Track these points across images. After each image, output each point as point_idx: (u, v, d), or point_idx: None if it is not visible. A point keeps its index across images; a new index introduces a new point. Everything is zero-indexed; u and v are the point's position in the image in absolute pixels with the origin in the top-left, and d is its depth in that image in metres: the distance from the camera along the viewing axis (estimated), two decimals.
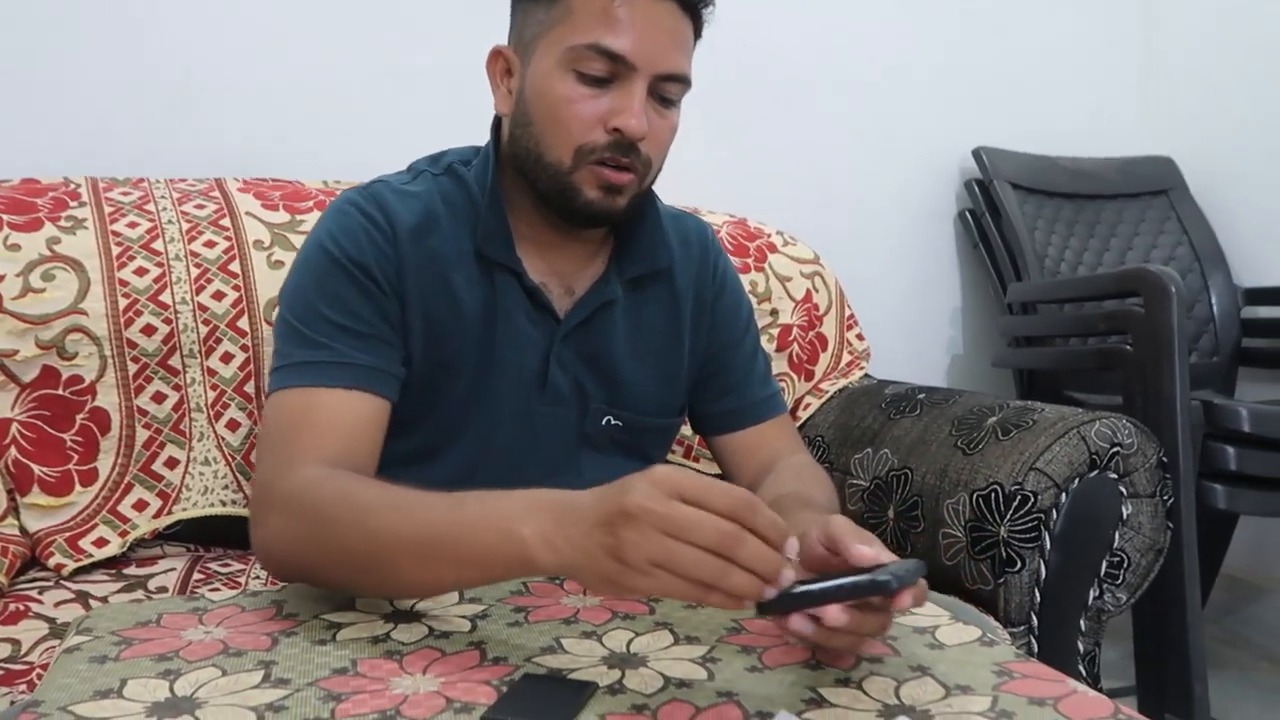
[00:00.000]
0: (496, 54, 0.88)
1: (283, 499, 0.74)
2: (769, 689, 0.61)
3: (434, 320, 0.87)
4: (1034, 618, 1.15)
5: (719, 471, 1.45)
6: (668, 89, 0.83)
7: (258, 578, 1.11)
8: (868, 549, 0.61)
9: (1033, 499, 1.13)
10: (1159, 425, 1.38)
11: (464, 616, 0.72)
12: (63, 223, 1.22)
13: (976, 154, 2.04)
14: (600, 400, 0.94)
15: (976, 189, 2.04)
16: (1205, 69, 2.20)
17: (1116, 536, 1.19)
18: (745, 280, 1.54)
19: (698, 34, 0.86)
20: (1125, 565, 1.19)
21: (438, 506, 0.67)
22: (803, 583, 0.58)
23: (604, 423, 0.94)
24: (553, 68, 0.82)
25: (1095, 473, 1.16)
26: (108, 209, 1.27)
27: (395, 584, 0.70)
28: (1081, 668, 1.19)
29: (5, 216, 1.20)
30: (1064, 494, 1.14)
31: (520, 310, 0.89)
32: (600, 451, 0.95)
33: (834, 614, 0.56)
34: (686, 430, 1.44)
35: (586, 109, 0.81)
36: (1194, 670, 1.38)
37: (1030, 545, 1.13)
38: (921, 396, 1.40)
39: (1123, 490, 1.18)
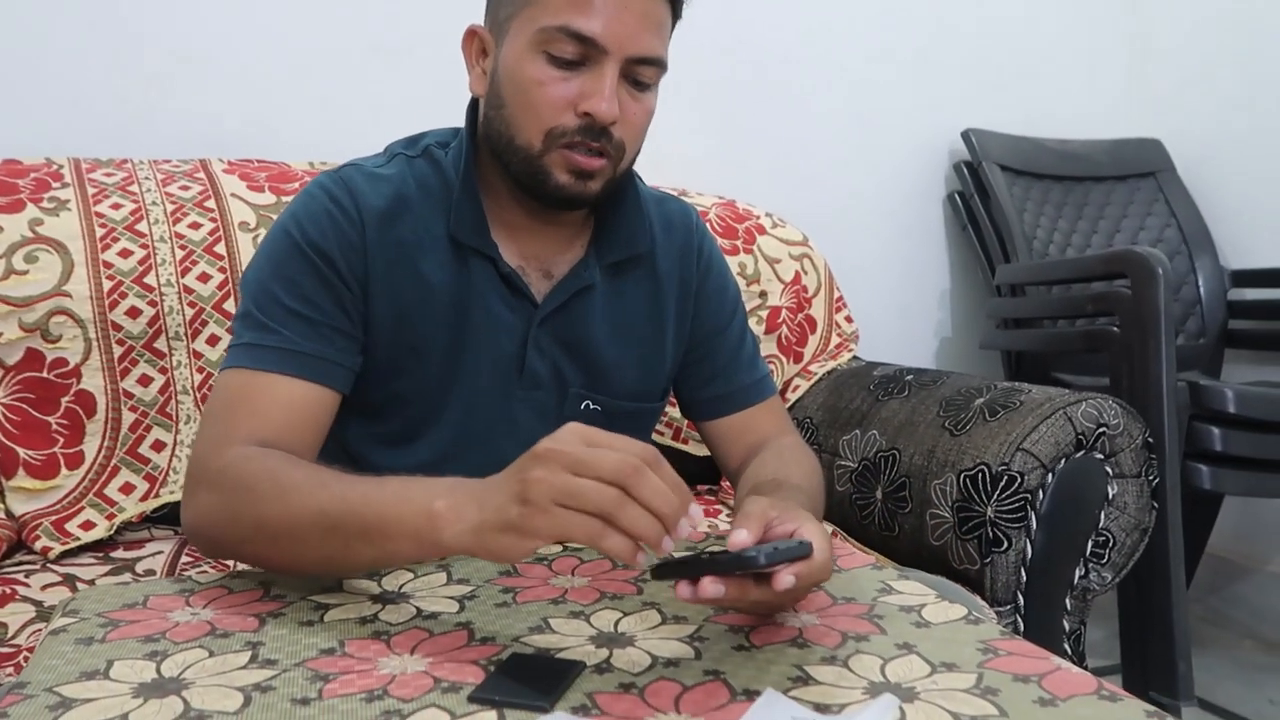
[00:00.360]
0: (472, 34, 0.87)
1: (212, 475, 0.74)
2: (756, 667, 0.61)
3: (402, 306, 0.86)
4: (1020, 597, 1.16)
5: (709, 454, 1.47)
6: (641, 72, 0.81)
7: None
8: (740, 534, 0.63)
9: (1019, 479, 1.13)
10: (1145, 406, 1.39)
11: (452, 598, 0.72)
12: (45, 204, 1.21)
13: (965, 136, 2.04)
14: (579, 385, 0.93)
15: (965, 171, 2.04)
16: (1194, 51, 2.20)
17: (1102, 516, 1.19)
18: (734, 262, 1.55)
19: (676, 15, 0.85)
20: (1110, 545, 1.20)
21: (359, 484, 0.69)
22: (688, 552, 0.64)
23: (582, 408, 0.94)
24: (524, 49, 0.80)
25: (1081, 453, 1.17)
26: (91, 190, 1.25)
27: (304, 557, 0.70)
28: (1067, 646, 1.20)
29: None
30: (1050, 474, 1.15)
31: (495, 295, 0.88)
32: None
33: (706, 584, 0.58)
34: (675, 413, 1.44)
35: (557, 92, 0.80)
36: (1178, 648, 1.40)
37: (1017, 525, 1.14)
38: (910, 378, 1.40)
39: (1108, 470, 1.19)
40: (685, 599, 0.60)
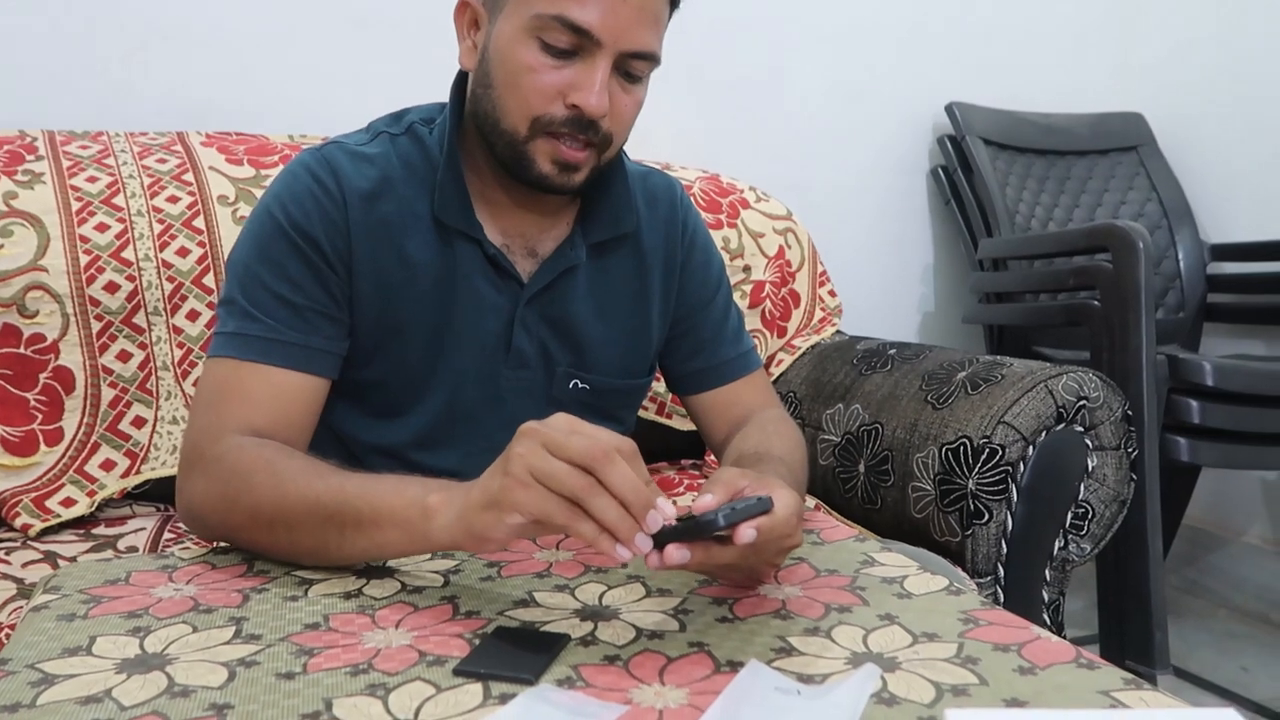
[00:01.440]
0: (464, 4, 0.86)
1: (208, 463, 0.76)
2: (740, 639, 0.61)
3: (384, 285, 0.85)
4: (1000, 568, 1.17)
5: (693, 428, 1.47)
6: (634, 66, 0.80)
7: None
8: (706, 497, 0.64)
9: (1000, 452, 1.14)
10: (1125, 379, 1.40)
11: (437, 572, 0.72)
12: (19, 177, 1.19)
13: (949, 110, 2.04)
14: (566, 364, 0.93)
15: (949, 145, 2.04)
16: (1175, 25, 2.20)
17: (1081, 488, 1.21)
18: (717, 237, 1.54)
19: (674, 7, 0.83)
20: (1090, 516, 1.21)
21: (355, 476, 0.71)
22: None
23: (571, 386, 0.94)
24: (517, 31, 0.79)
25: (1062, 426, 1.18)
26: (66, 163, 1.24)
27: (298, 545, 0.72)
28: (1046, 616, 1.22)
29: None
30: (1031, 447, 1.16)
31: (481, 275, 0.88)
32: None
33: (671, 550, 0.59)
34: (659, 388, 1.44)
35: (547, 80, 0.79)
36: (1155, 618, 1.42)
37: (998, 498, 1.15)
38: (893, 352, 1.41)
39: (1088, 443, 1.20)
40: (654, 567, 0.60)
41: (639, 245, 0.96)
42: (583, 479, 0.58)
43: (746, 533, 0.60)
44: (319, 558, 0.72)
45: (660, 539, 0.59)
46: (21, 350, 1.14)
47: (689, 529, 0.59)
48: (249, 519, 0.73)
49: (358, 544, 0.69)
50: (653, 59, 0.81)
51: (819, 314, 1.67)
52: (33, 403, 1.15)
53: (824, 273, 1.70)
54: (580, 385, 0.94)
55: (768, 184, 1.75)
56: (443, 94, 0.92)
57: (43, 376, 1.15)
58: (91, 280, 1.17)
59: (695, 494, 1.34)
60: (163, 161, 1.29)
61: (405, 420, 0.90)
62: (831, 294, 1.70)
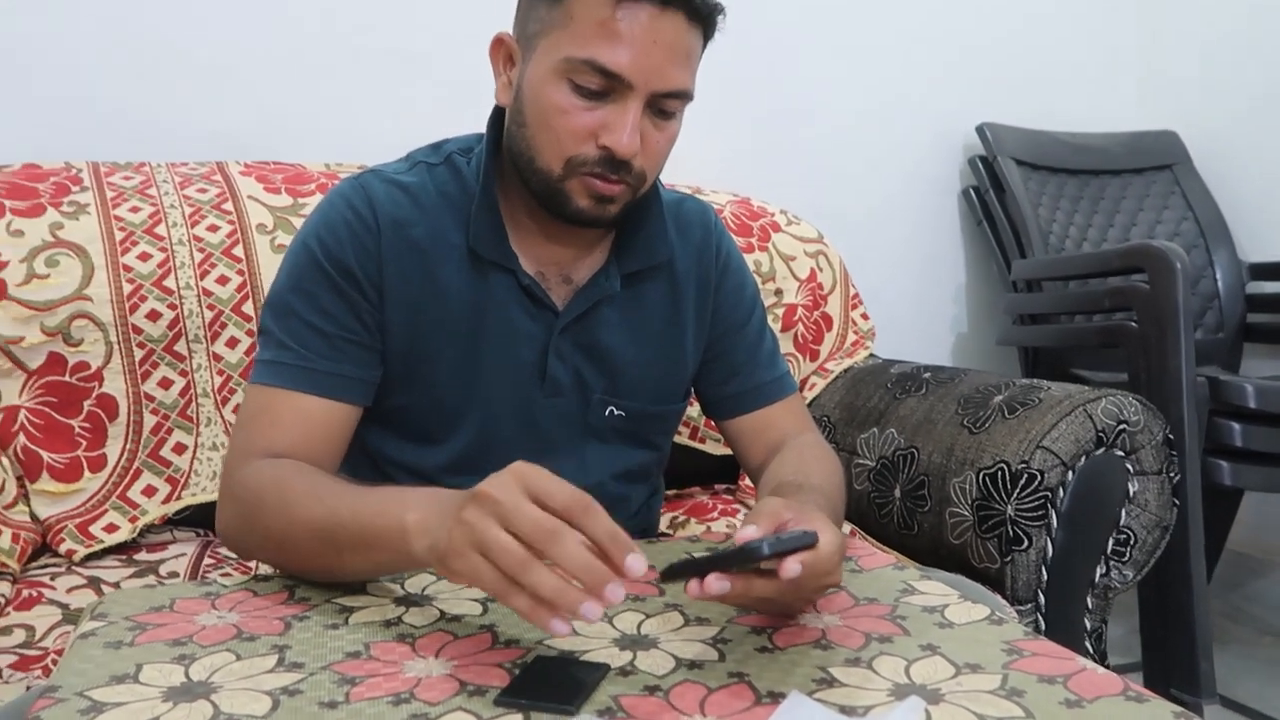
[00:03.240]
0: (499, 41, 0.87)
1: (234, 486, 0.79)
2: (780, 670, 0.61)
3: (416, 313, 0.86)
4: (1041, 596, 1.15)
5: (725, 453, 1.46)
6: (667, 104, 0.81)
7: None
8: (749, 529, 0.64)
9: (1039, 477, 1.13)
10: (1164, 402, 1.38)
11: (475, 600, 0.72)
12: (65, 208, 1.22)
13: (980, 130, 2.03)
14: (602, 391, 0.93)
15: (980, 165, 2.03)
16: (1209, 43, 2.18)
17: (1123, 514, 1.19)
18: (749, 260, 1.54)
19: (708, 38, 0.83)
20: (1132, 542, 1.19)
21: (348, 495, 0.72)
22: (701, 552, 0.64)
23: (607, 413, 0.94)
24: (549, 73, 0.79)
25: (1102, 450, 1.16)
26: (110, 194, 1.26)
27: (308, 565, 0.74)
28: (1089, 645, 1.20)
29: (8, 202, 1.19)
30: (1070, 472, 1.14)
31: (515, 304, 0.88)
32: (605, 442, 0.95)
33: (711, 580, 0.58)
34: (693, 412, 1.44)
35: (579, 121, 0.79)
36: (1200, 645, 1.39)
37: (1037, 523, 1.14)
38: (927, 376, 1.40)
39: (1129, 468, 1.18)
40: (694, 596, 0.60)
41: (673, 271, 0.96)
42: (519, 559, 0.56)
43: (792, 567, 0.59)
44: (328, 575, 0.74)
45: (702, 567, 0.59)
46: (67, 378, 1.17)
47: (732, 558, 0.59)
48: (263, 540, 0.76)
49: (355, 563, 0.70)
50: (685, 96, 0.81)
51: (851, 337, 1.66)
52: (77, 429, 1.17)
53: (856, 295, 1.70)
54: (616, 412, 0.94)
55: (798, 207, 1.75)
56: (477, 124, 0.93)
57: (87, 404, 1.18)
58: (134, 308, 1.20)
59: (730, 520, 1.33)
60: (203, 191, 1.31)
61: (440, 447, 0.91)
62: (864, 316, 1.69)
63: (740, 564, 0.60)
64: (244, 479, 0.78)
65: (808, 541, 0.62)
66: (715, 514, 1.38)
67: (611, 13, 0.76)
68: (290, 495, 0.74)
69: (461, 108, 1.13)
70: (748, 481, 1.51)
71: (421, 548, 0.64)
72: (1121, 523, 1.19)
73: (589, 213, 0.83)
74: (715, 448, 1.50)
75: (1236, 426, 1.48)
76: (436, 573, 0.66)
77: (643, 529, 1.02)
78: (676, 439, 1.46)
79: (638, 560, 0.57)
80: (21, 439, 1.14)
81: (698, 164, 1.77)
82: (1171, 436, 1.20)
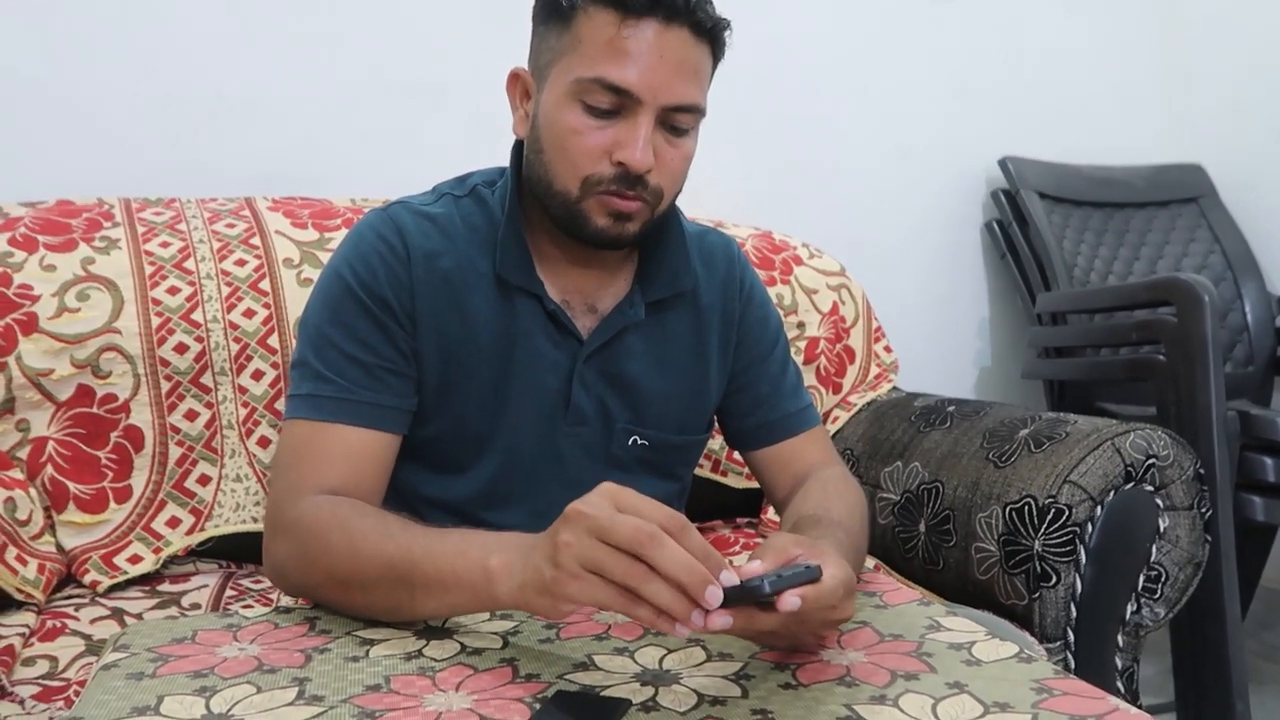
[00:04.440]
0: (515, 76, 0.88)
1: (288, 525, 0.78)
2: (804, 707, 0.60)
3: (446, 343, 0.87)
4: (1070, 633, 1.13)
5: (748, 486, 1.45)
6: (678, 119, 0.82)
7: None
8: (755, 564, 0.63)
9: (1067, 512, 1.11)
10: (1194, 436, 1.36)
11: (495, 633, 0.72)
12: (97, 243, 1.24)
13: (1003, 164, 2.03)
14: (625, 420, 0.93)
15: (1003, 199, 2.02)
16: (1234, 75, 2.18)
17: (1154, 550, 1.17)
18: (771, 293, 1.54)
19: (718, 58, 0.85)
20: (1163, 579, 1.17)
21: (422, 535, 0.71)
22: None
23: (630, 443, 0.94)
24: (561, 97, 0.81)
25: (1131, 485, 1.14)
26: (140, 229, 1.28)
27: (375, 605, 0.73)
28: (1120, 684, 1.17)
29: (41, 237, 1.22)
30: (1099, 507, 1.13)
31: (541, 332, 0.89)
32: (627, 472, 0.94)
33: (714, 616, 0.58)
34: (714, 445, 1.44)
35: (592, 141, 0.80)
36: (1235, 686, 1.36)
37: (1065, 559, 1.12)
38: (951, 409, 1.39)
39: (1159, 503, 1.16)
40: (696, 629, 0.59)
41: (697, 303, 0.96)
42: (633, 566, 0.56)
43: (790, 601, 0.59)
44: (396, 615, 0.73)
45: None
46: (95, 410, 1.18)
47: (734, 595, 0.58)
48: (327, 578, 0.75)
49: (429, 605, 0.70)
50: (695, 111, 0.82)
51: (875, 370, 1.65)
52: (104, 461, 1.18)
53: (879, 328, 1.69)
54: (639, 441, 0.94)
55: (821, 240, 1.75)
56: (498, 157, 0.94)
57: (114, 435, 1.19)
58: (162, 341, 1.21)
59: (750, 553, 1.32)
60: (231, 226, 1.33)
61: (465, 477, 0.91)
62: (887, 349, 1.68)
63: (741, 600, 0.59)
64: (300, 516, 0.77)
65: (810, 576, 0.61)
66: (737, 547, 1.37)
67: (617, 31, 0.78)
68: (357, 533, 0.73)
69: (483, 141, 1.14)
70: (770, 514, 1.49)
71: (507, 590, 0.64)
72: (1152, 559, 1.17)
73: (608, 232, 0.83)
74: (737, 481, 1.49)
75: (1269, 461, 1.46)
76: (530, 612, 0.65)
77: None
78: (698, 472, 1.45)
79: (730, 575, 0.57)
80: (49, 470, 1.16)
81: (720, 198, 1.77)
82: (1202, 471, 1.18)
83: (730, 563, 0.60)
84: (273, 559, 0.80)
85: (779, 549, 0.67)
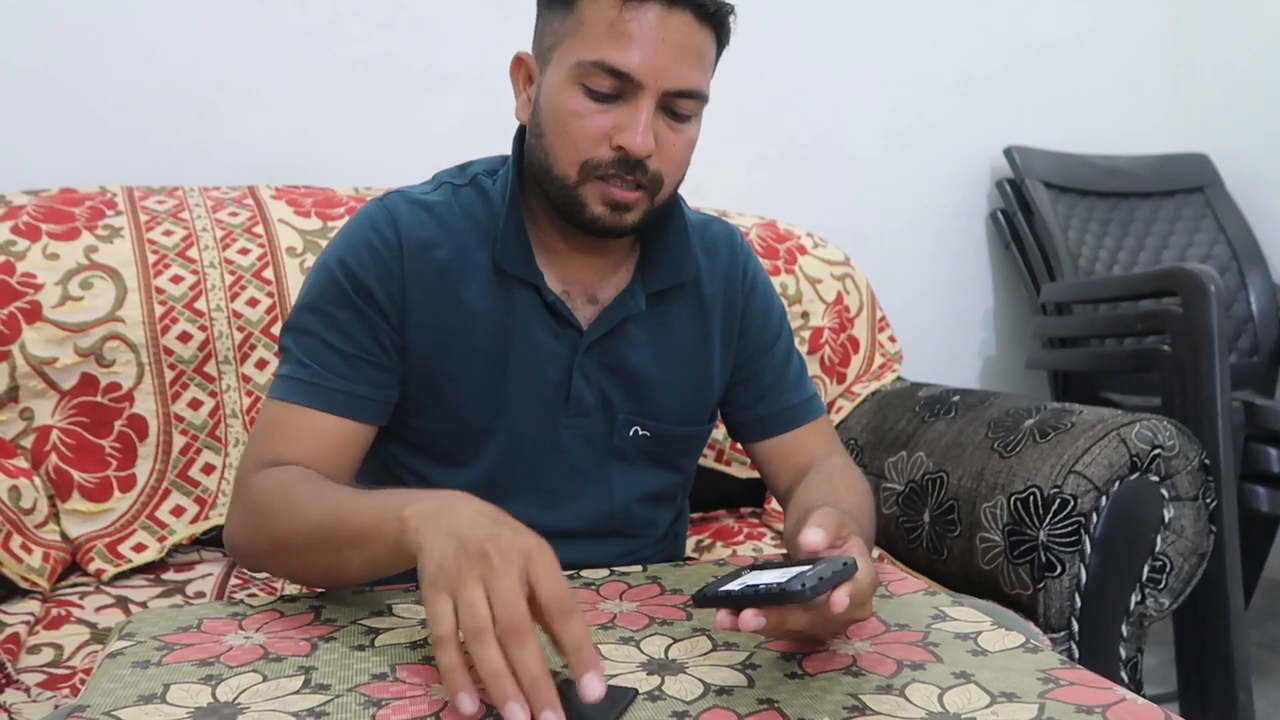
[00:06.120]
0: (519, 61, 0.88)
1: (241, 494, 0.81)
2: (810, 697, 0.60)
3: (440, 333, 0.87)
4: (1074, 623, 1.13)
5: (751, 476, 1.45)
6: (680, 105, 0.81)
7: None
8: (814, 537, 0.64)
9: (1072, 502, 1.11)
10: (1199, 427, 1.36)
11: None
12: (100, 231, 1.24)
13: (1008, 153, 2.02)
14: (627, 411, 0.93)
15: (1008, 188, 2.02)
16: (1239, 64, 2.17)
17: (1159, 540, 1.17)
18: (775, 283, 1.54)
19: (722, 44, 0.84)
20: (1168, 570, 1.17)
21: (350, 495, 0.72)
22: (729, 579, 0.64)
23: (632, 434, 0.93)
24: (563, 80, 0.80)
25: (1136, 475, 1.14)
26: (143, 217, 1.28)
27: (312, 568, 0.75)
28: (1124, 674, 1.17)
29: (44, 226, 1.21)
30: (1104, 497, 1.12)
31: (540, 324, 0.88)
32: (629, 462, 0.94)
33: (748, 616, 0.58)
34: (718, 434, 1.44)
35: (592, 124, 0.80)
36: (1238, 676, 1.36)
37: (1070, 549, 1.12)
38: (956, 399, 1.38)
39: (1164, 493, 1.16)
40: (725, 628, 0.59)
41: (699, 292, 0.96)
42: (482, 621, 0.55)
43: (842, 599, 0.59)
44: (331, 577, 0.75)
45: (737, 601, 0.59)
46: (98, 399, 1.18)
47: (772, 597, 0.58)
48: (270, 546, 0.77)
49: (355, 561, 0.70)
50: (697, 96, 0.82)
51: (879, 360, 1.65)
52: (108, 449, 1.18)
53: (883, 318, 1.69)
54: (641, 432, 0.94)
55: (825, 230, 1.75)
56: (501, 145, 0.94)
57: (118, 424, 1.19)
58: (165, 330, 1.21)
59: (756, 544, 1.32)
60: (234, 215, 1.33)
61: (468, 469, 0.90)
62: (891, 339, 1.68)
63: (778, 602, 0.58)
64: (252, 487, 0.79)
65: (848, 574, 0.61)
66: (741, 538, 1.37)
67: (619, 14, 0.78)
68: (295, 498, 0.75)
69: (485, 130, 1.14)
70: (774, 505, 1.49)
71: (411, 542, 0.62)
72: (1157, 549, 1.17)
73: (604, 220, 0.83)
74: (741, 471, 1.49)
75: (1273, 452, 1.46)
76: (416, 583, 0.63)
77: (669, 554, 1.01)
78: (701, 462, 1.45)
79: (595, 681, 0.54)
80: (53, 459, 1.16)
81: (723, 187, 1.77)
82: (1208, 462, 1.18)
83: (735, 552, 0.60)
84: (228, 529, 0.82)
85: (835, 526, 0.69)
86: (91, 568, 1.14)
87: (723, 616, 0.59)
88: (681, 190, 0.92)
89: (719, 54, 0.84)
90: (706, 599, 0.62)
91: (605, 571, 0.83)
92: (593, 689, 0.54)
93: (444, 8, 1.65)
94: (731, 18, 0.83)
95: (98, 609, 1.06)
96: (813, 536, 0.65)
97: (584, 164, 0.81)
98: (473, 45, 1.64)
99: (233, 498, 0.82)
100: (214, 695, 0.59)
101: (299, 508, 0.74)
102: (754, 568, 0.67)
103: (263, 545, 0.77)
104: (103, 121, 1.47)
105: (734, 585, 0.62)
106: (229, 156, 1.52)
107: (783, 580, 0.59)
